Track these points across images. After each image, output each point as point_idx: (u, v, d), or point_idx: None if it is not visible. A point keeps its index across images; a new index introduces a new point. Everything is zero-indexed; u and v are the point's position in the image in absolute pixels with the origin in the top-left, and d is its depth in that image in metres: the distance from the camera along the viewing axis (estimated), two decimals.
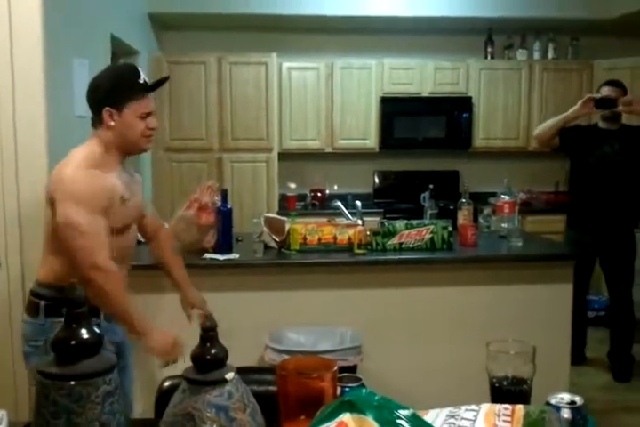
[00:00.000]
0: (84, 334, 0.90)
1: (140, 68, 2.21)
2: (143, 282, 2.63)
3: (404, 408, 0.85)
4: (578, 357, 3.94)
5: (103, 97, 2.13)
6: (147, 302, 2.62)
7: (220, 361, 0.98)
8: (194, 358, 0.98)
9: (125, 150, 2.21)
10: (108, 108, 2.11)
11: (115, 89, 2.12)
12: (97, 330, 0.93)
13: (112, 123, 2.12)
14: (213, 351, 0.98)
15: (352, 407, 0.87)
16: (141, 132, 2.16)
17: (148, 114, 2.17)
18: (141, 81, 2.16)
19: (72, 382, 0.88)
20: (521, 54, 5.77)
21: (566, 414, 1.00)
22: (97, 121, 2.15)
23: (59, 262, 2.12)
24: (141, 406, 2.40)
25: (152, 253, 2.58)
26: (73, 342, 0.89)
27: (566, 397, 1.05)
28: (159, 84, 2.24)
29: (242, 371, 1.01)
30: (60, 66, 2.97)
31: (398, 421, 0.83)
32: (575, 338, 3.40)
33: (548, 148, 4.19)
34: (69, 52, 3.15)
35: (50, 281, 2.13)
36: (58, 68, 2.93)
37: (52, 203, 2.08)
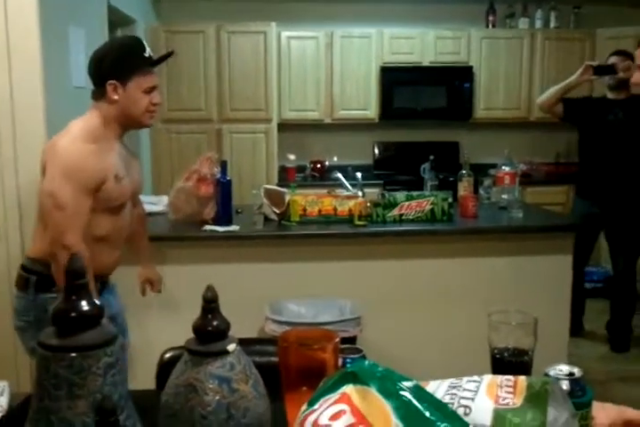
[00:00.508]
0: (85, 305, 0.90)
1: (144, 41, 2.16)
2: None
3: (407, 380, 0.85)
4: (575, 327, 3.96)
5: (108, 69, 2.07)
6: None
7: (222, 333, 0.98)
8: (196, 329, 0.98)
9: (126, 125, 2.16)
10: (112, 81, 2.05)
11: (120, 62, 2.07)
12: (97, 302, 0.92)
13: (116, 97, 2.07)
14: (215, 323, 0.98)
15: (355, 379, 0.86)
16: (145, 107, 2.11)
17: (153, 88, 2.12)
18: (147, 55, 2.10)
19: (73, 354, 0.87)
20: (523, 23, 5.69)
21: (565, 385, 1.00)
22: (99, 94, 2.10)
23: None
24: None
25: None
26: (73, 314, 0.89)
27: (565, 368, 1.04)
28: (164, 58, 2.19)
29: (243, 342, 1.01)
30: (56, 34, 2.92)
31: (401, 392, 0.83)
32: (572, 309, 3.41)
33: (553, 116, 4.15)
34: (65, 19, 3.10)
35: (41, 256, 2.11)
36: (54, 37, 2.88)
37: (44, 173, 2.05)
